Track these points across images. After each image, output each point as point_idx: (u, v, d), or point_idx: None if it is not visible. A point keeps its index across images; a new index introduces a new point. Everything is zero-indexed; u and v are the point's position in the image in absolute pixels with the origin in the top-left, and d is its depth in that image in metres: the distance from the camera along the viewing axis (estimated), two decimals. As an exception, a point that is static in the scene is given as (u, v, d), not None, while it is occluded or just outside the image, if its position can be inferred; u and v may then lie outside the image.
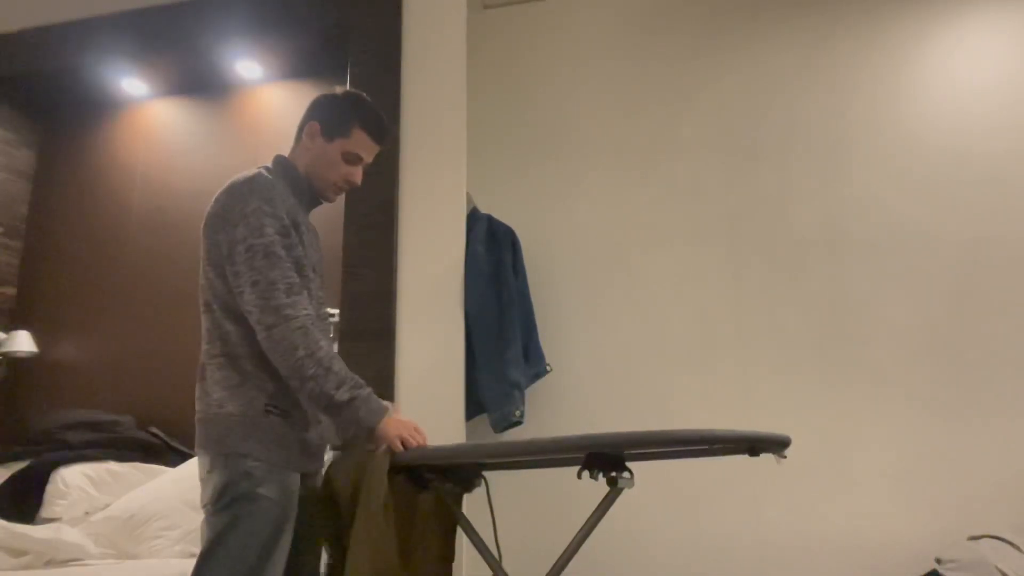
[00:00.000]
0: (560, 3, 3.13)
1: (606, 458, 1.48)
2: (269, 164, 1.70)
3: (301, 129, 1.71)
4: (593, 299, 2.79)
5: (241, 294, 1.51)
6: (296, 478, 1.55)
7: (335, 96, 1.71)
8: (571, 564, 1.52)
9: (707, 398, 2.61)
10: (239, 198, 1.54)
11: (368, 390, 1.55)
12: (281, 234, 1.53)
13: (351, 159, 1.68)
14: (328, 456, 2.27)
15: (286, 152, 1.74)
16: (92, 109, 3.58)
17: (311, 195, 1.72)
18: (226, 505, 1.45)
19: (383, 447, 1.55)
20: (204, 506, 1.50)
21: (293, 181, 1.68)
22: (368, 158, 1.71)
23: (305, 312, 1.50)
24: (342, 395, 1.49)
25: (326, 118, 1.68)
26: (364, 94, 1.73)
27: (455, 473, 1.77)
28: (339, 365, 1.52)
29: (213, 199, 1.60)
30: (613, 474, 1.46)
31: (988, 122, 2.60)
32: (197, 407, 1.58)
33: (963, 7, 2.71)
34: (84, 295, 3.37)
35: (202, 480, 1.53)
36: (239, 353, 1.54)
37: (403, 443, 1.54)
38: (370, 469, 1.54)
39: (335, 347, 2.55)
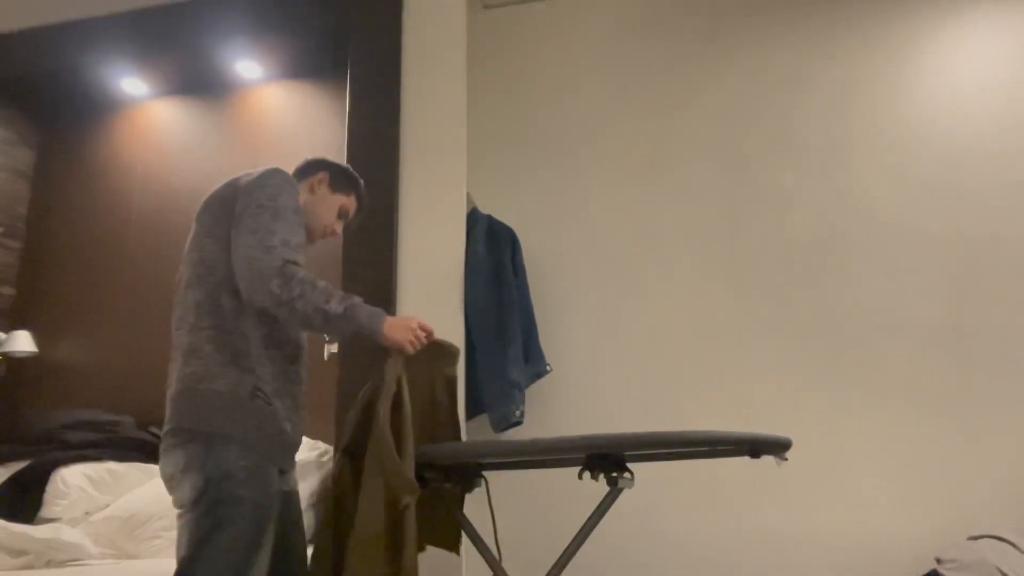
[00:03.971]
0: (560, 3, 3.13)
1: (607, 459, 1.48)
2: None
3: (305, 173, 1.86)
4: (593, 299, 2.79)
5: (236, 242, 1.53)
6: (276, 473, 1.53)
7: (340, 164, 1.92)
8: (571, 564, 1.52)
9: (707, 398, 2.61)
10: (262, 175, 1.63)
11: (359, 298, 1.57)
12: (292, 209, 1.61)
13: (343, 214, 1.88)
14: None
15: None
16: (92, 109, 3.58)
17: None
18: (208, 509, 1.41)
19: (395, 357, 1.58)
20: (180, 506, 1.45)
21: None
22: (348, 219, 1.92)
23: (295, 259, 1.52)
24: (335, 307, 1.50)
25: (333, 174, 1.87)
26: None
27: (455, 473, 1.77)
28: (324, 283, 1.52)
29: (223, 184, 1.67)
30: (613, 474, 1.46)
31: (988, 122, 2.60)
32: (171, 381, 1.53)
33: (963, 7, 2.71)
34: (84, 295, 3.37)
35: (171, 478, 1.47)
36: (231, 328, 1.52)
37: (413, 343, 1.60)
38: (385, 378, 1.54)
39: (335, 347, 2.55)
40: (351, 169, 1.93)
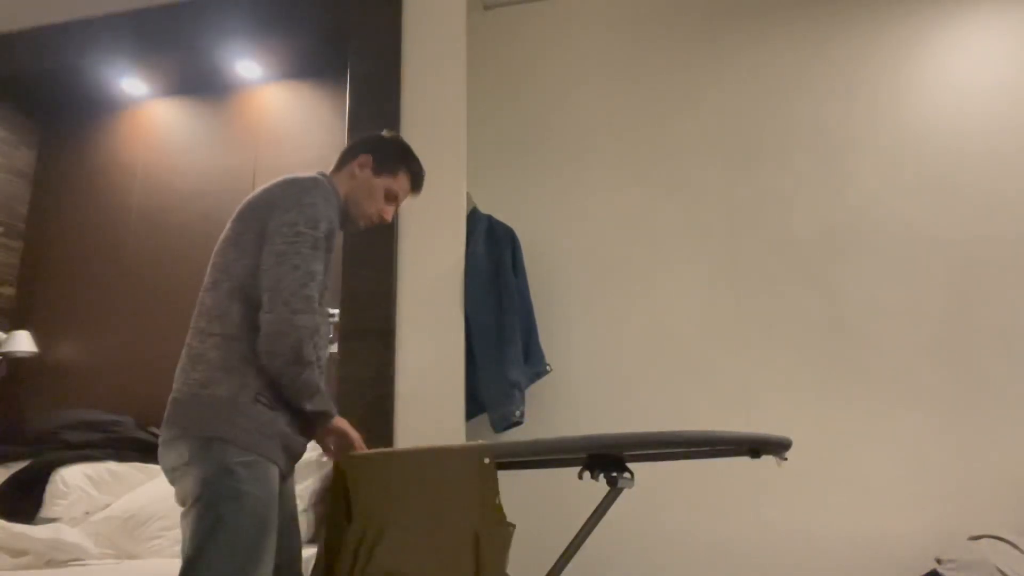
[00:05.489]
0: (560, 3, 3.13)
1: (607, 459, 1.48)
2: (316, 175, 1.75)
3: (347, 158, 1.79)
4: (593, 299, 2.79)
5: (268, 271, 1.51)
6: (276, 472, 1.52)
7: (387, 138, 1.83)
8: (571, 564, 1.52)
9: (708, 398, 2.61)
10: (301, 189, 1.59)
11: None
12: (327, 236, 1.59)
13: (391, 197, 1.79)
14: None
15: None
16: (92, 109, 3.58)
17: (343, 217, 1.77)
18: (208, 505, 1.41)
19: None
20: (183, 502, 1.45)
21: (334, 199, 1.74)
22: (402, 201, 1.84)
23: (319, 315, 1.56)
24: (322, 384, 1.56)
25: (378, 155, 1.78)
26: (406, 142, 1.88)
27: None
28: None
29: (261, 189, 1.63)
30: (613, 474, 1.46)
31: (988, 123, 2.60)
32: (177, 384, 1.53)
33: (963, 8, 2.71)
34: (84, 295, 3.37)
35: (174, 470, 1.47)
36: (237, 335, 1.52)
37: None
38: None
39: (335, 347, 2.55)
40: (401, 142, 1.83)
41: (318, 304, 1.56)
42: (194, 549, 1.40)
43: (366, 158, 1.76)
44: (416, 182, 1.83)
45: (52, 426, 2.88)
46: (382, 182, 1.76)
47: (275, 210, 1.55)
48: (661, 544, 2.53)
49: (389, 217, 1.80)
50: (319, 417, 1.58)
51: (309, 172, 1.68)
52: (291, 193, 1.58)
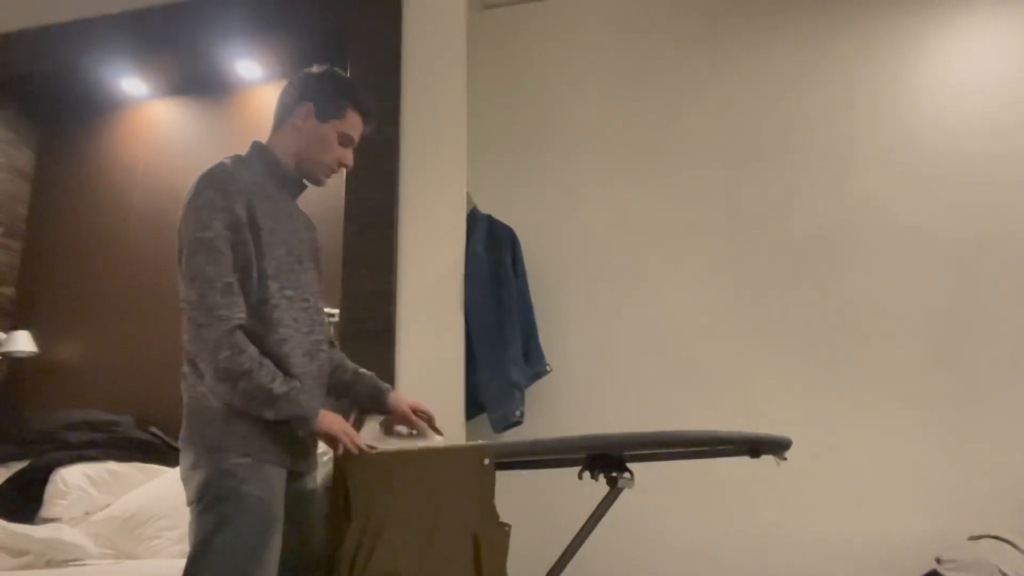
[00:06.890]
0: (560, 3, 3.13)
1: (607, 459, 1.48)
2: (243, 153, 1.64)
3: (286, 111, 1.65)
4: (593, 299, 2.79)
5: (181, 287, 1.49)
6: (282, 473, 1.52)
7: (322, 76, 1.66)
8: (571, 564, 1.52)
9: (707, 398, 2.61)
10: (195, 191, 1.50)
11: (297, 383, 1.50)
12: (230, 228, 1.47)
13: (345, 140, 1.65)
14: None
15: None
16: (92, 109, 3.58)
17: (296, 180, 1.66)
18: (210, 505, 1.42)
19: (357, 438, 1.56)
20: (189, 505, 1.47)
21: (271, 167, 1.62)
22: (357, 139, 1.68)
23: (240, 315, 1.46)
24: (280, 387, 1.44)
25: (319, 99, 1.62)
26: (342, 72, 1.70)
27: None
28: (269, 363, 1.46)
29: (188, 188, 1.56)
30: (613, 474, 1.47)
31: (988, 122, 2.60)
32: (184, 396, 1.56)
33: (963, 7, 2.71)
34: (84, 295, 3.37)
35: (184, 478, 1.50)
36: None
37: (350, 441, 1.53)
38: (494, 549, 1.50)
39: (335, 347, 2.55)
40: (338, 76, 1.65)
41: (241, 296, 1.47)
42: (196, 549, 1.42)
43: (306, 107, 1.61)
44: (368, 115, 1.67)
45: (52, 426, 2.88)
46: (331, 128, 1.61)
47: (183, 220, 1.50)
48: (661, 544, 2.53)
49: (349, 162, 1.67)
50: (296, 424, 1.47)
51: (223, 158, 1.57)
52: (190, 199, 1.50)
